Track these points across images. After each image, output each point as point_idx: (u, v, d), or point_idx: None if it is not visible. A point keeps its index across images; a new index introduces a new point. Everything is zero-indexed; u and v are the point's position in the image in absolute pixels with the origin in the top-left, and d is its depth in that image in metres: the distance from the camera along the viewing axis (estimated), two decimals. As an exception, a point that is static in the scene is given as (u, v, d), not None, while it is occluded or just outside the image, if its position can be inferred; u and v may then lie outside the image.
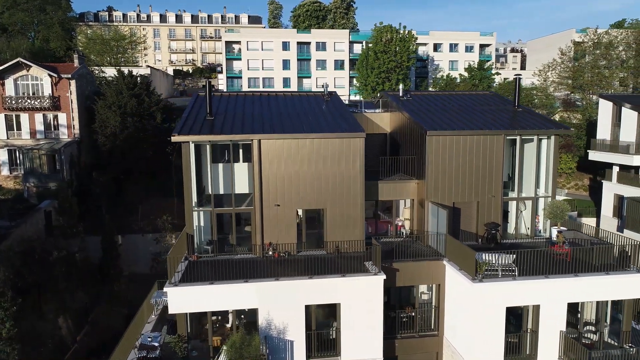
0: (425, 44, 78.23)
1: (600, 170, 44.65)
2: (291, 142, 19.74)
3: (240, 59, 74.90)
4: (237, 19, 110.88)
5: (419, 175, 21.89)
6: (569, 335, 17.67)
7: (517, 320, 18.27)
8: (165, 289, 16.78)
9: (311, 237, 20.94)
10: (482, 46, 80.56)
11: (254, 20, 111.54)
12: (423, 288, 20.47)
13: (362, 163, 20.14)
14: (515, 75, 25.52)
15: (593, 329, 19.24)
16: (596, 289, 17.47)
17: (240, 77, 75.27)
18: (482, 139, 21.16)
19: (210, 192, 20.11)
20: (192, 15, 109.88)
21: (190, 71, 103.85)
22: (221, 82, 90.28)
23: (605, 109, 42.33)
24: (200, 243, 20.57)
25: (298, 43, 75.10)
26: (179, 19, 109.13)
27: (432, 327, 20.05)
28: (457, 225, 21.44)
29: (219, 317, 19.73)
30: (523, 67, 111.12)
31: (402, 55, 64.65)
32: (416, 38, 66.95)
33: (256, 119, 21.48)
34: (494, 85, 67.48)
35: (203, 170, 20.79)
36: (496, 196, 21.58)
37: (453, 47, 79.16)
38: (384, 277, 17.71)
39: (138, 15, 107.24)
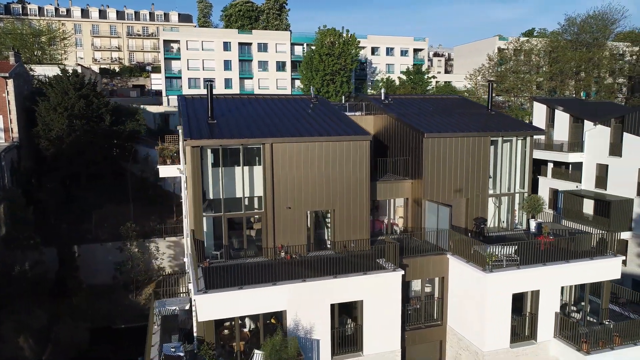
0: (363, 47, 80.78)
1: (534, 167, 49.14)
2: (301, 145, 20.09)
3: (179, 59, 72.67)
4: (166, 17, 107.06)
5: (414, 175, 23.14)
6: (562, 315, 19.78)
7: (518, 305, 20.03)
8: (194, 297, 16.46)
9: (315, 238, 21.41)
10: (416, 50, 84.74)
11: (184, 18, 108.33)
12: (422, 282, 21.72)
13: (368, 165, 20.98)
14: (489, 81, 27.67)
15: (575, 309, 21.61)
16: (583, 272, 19.74)
17: (180, 78, 73.05)
18: (471, 140, 22.87)
19: (221, 197, 19.87)
20: (117, 11, 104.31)
21: (117, 70, 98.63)
22: (155, 82, 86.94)
23: (539, 111, 46.65)
24: (207, 249, 20.25)
25: (239, 44, 74.35)
26: (102, 14, 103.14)
27: (436, 318, 21.38)
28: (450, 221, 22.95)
29: (232, 323, 19.58)
30: (447, 71, 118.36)
31: (346, 58, 66.42)
32: (358, 42, 69.04)
33: (262, 123, 21.53)
34: (430, 88, 71.44)
35: (204, 174, 20.43)
36: (483, 193, 23.41)
37: (389, 51, 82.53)
38: (402, 272, 18.71)
39: (56, 9, 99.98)
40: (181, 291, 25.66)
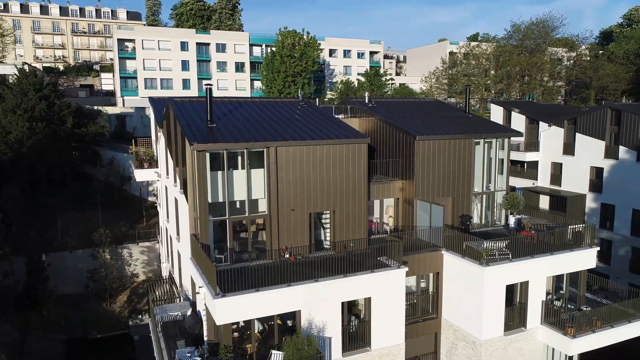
0: (321, 50, 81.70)
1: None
2: (304, 148, 20.53)
3: (134, 58, 70.41)
4: (114, 14, 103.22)
5: (404, 176, 24.17)
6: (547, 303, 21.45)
7: (509, 296, 21.46)
8: (214, 301, 16.48)
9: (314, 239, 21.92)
10: (372, 53, 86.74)
11: (133, 16, 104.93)
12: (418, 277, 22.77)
13: (366, 166, 21.75)
14: (465, 85, 29.23)
15: (554, 297, 23.41)
16: (566, 263, 21.50)
17: (135, 78, 70.84)
18: (457, 142, 24.20)
19: (226, 200, 19.90)
20: (60, 7, 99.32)
21: (62, 69, 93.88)
22: (105, 82, 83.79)
23: (496, 112, 49.43)
24: (212, 252, 20.23)
25: (197, 44, 73.16)
26: (44, 10, 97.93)
27: (431, 312, 22.49)
28: (438, 219, 24.17)
29: (238, 325, 19.72)
30: (397, 73, 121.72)
31: (307, 60, 67.05)
32: (319, 44, 69.87)
33: (260, 126, 21.72)
34: (387, 90, 73.51)
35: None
36: (467, 192, 24.83)
37: (346, 53, 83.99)
38: (407, 269, 19.62)
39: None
40: (155, 298, 25.16)
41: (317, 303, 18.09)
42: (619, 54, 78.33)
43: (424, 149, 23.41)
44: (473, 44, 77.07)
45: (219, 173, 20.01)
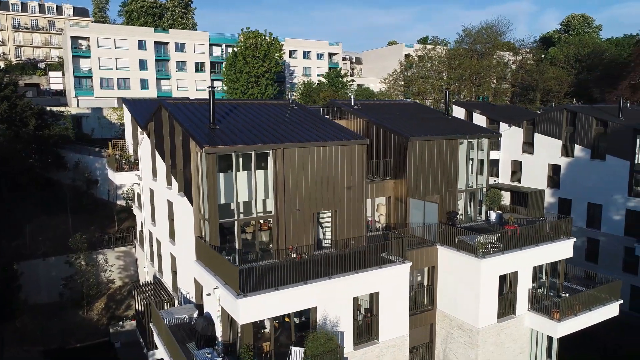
0: (284, 52, 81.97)
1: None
2: (308, 150, 21.08)
3: (89, 57, 67.69)
4: (59, 10, 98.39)
5: (396, 176, 25.27)
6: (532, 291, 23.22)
7: (500, 285, 23.00)
8: (237, 301, 16.72)
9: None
10: (330, 54, 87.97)
11: (80, 12, 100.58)
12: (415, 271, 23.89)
13: (365, 166, 22.61)
14: (445, 88, 30.76)
15: (536, 285, 25.29)
16: (548, 253, 23.36)
17: (90, 77, 68.10)
18: (444, 143, 25.59)
19: (235, 201, 20.11)
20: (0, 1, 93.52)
21: (3, 66, 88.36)
22: (54, 81, 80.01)
23: (458, 113, 51.77)
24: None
25: (156, 43, 71.39)
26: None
27: (426, 303, 23.70)
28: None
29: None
30: (351, 74, 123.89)
31: (271, 61, 67.20)
32: (282, 45, 70.16)
33: (262, 128, 22.04)
34: (348, 92, 74.95)
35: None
36: (453, 190, 26.30)
37: (306, 54, 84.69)
38: (411, 263, 20.67)
39: None
40: (157, 302, 24.95)
41: (331, 299, 18.75)
42: (560, 58, 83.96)
43: (416, 149, 24.60)
44: (429, 47, 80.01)
45: (227, 175, 20.20)
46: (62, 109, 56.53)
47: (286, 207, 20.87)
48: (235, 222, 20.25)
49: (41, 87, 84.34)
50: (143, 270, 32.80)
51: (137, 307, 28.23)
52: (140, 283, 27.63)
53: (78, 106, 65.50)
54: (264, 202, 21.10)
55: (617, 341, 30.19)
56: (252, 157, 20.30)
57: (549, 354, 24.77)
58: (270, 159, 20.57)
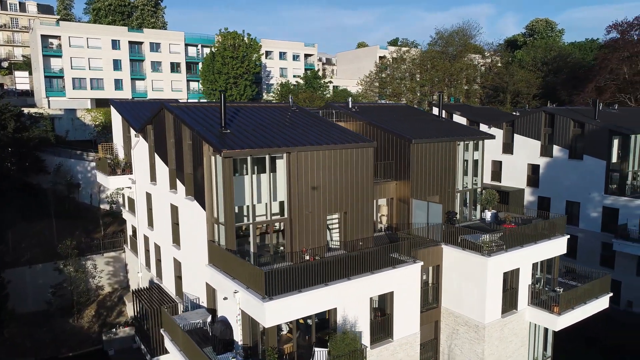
0: (262, 53, 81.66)
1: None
2: (320, 153, 21.34)
3: (60, 56, 65.49)
4: (22, 7, 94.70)
5: (399, 177, 25.83)
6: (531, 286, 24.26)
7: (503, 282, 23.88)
8: (264, 305, 16.80)
9: (323, 240, 22.79)
10: (306, 55, 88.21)
11: (45, 9, 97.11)
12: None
13: (372, 169, 23.05)
14: (438, 92, 31.58)
15: (533, 280, 26.39)
16: (546, 250, 24.43)
17: (62, 77, 65.91)
18: (444, 145, 26.35)
19: (250, 205, 20.13)
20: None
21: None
22: (20, 81, 77.03)
23: (439, 115, 53.11)
24: (234, 258, 20.33)
25: (130, 42, 69.75)
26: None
27: (431, 301, 24.36)
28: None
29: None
30: (324, 75, 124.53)
31: (250, 61, 66.89)
32: (260, 46, 69.91)
33: (271, 132, 22.13)
34: (326, 93, 75.44)
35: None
36: (452, 190, 27.11)
37: (282, 55, 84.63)
38: (422, 263, 21.25)
39: None
40: (171, 309, 24.62)
41: (350, 300, 19.10)
42: (527, 61, 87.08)
43: (419, 151, 25.24)
44: (404, 49, 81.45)
45: (240, 178, 20.22)
46: (40, 110, 54.47)
47: (299, 210, 21.06)
48: (251, 225, 20.29)
49: (5, 87, 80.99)
50: (137, 275, 32.18)
51: (135, 313, 27.71)
52: (137, 289, 27.09)
53: (49, 107, 63.26)
54: (281, 204, 21.21)
55: (601, 333, 31.81)
56: (266, 161, 20.41)
57: (544, 347, 25.93)
58: (283, 162, 20.73)
